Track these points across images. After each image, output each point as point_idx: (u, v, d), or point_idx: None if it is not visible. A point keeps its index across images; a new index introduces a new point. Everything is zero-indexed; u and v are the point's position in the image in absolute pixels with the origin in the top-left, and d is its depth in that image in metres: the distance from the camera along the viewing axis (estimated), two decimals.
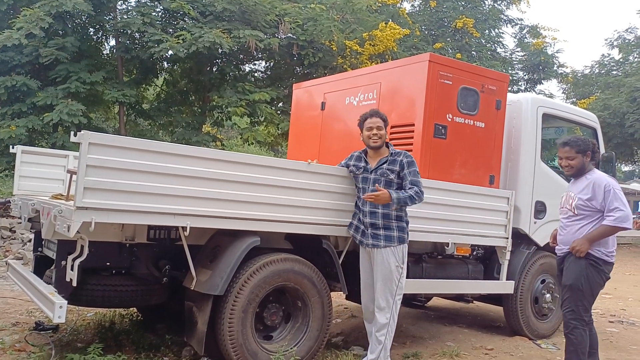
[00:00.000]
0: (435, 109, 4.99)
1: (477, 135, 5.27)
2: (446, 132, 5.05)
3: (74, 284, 3.55)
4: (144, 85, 16.10)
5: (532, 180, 5.68)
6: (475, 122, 5.24)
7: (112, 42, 15.37)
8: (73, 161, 5.49)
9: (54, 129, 13.07)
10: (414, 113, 5.04)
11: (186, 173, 3.55)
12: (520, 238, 5.66)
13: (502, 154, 5.53)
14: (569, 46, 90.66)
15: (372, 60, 14.35)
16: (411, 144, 4.99)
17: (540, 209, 5.71)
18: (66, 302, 3.39)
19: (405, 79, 5.22)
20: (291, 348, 4.12)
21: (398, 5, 18.87)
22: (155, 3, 14.27)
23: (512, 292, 5.58)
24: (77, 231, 3.24)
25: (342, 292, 4.54)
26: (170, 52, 12.87)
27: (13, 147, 5.47)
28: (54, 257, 3.93)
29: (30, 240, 9.31)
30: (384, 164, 4.19)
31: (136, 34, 13.64)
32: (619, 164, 27.17)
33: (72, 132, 3.35)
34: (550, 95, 20.50)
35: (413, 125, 5.02)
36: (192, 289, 3.92)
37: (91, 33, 15.08)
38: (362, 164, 4.25)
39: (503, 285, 5.50)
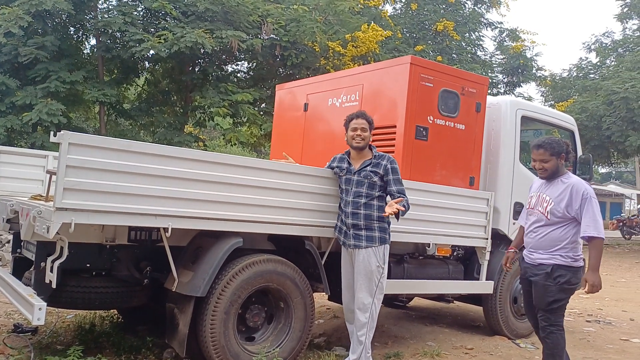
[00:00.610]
0: (417, 111, 5.04)
1: (457, 137, 5.34)
2: (427, 133, 5.10)
3: (54, 285, 3.51)
4: (125, 85, 15.95)
5: (511, 182, 5.77)
6: (456, 124, 5.31)
7: (93, 42, 15.22)
8: (52, 161, 5.43)
9: (33, 129, 12.88)
10: (396, 115, 5.08)
11: (167, 174, 3.53)
12: (499, 239, 5.73)
13: (482, 156, 5.61)
14: (547, 50, 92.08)
15: (354, 62, 14.41)
16: (393, 146, 5.03)
17: (519, 210, 5.76)
18: (45, 304, 3.34)
19: (387, 81, 5.27)
20: (274, 349, 4.13)
21: (380, 7, 18.97)
22: (137, 2, 14.15)
23: (491, 292, 5.65)
24: (57, 232, 3.21)
25: (324, 293, 4.56)
26: (151, 51, 12.79)
27: None
28: (33, 259, 3.89)
29: (8, 242, 9.14)
30: (367, 166, 4.22)
31: (117, 34, 13.51)
32: (596, 166, 27.60)
33: (51, 132, 3.31)
34: (529, 98, 20.76)
35: (395, 127, 5.06)
36: (174, 290, 3.90)
37: (71, 32, 14.91)
38: (345, 165, 4.28)
39: (483, 286, 5.57)
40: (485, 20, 22.28)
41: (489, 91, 6.32)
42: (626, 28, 23.70)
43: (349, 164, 4.28)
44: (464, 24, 20.82)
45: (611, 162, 24.82)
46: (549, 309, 3.88)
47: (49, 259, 3.54)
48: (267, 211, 3.99)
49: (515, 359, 5.22)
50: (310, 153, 5.83)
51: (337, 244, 4.41)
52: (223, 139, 16.31)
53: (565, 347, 3.99)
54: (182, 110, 15.75)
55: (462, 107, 5.34)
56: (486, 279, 5.54)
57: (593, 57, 23.60)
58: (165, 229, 3.55)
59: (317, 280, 4.46)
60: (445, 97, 5.23)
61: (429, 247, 5.30)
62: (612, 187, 41.67)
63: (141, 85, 16.77)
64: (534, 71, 21.92)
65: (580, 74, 23.02)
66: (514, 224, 5.76)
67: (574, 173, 6.51)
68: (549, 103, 22.27)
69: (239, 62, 16.62)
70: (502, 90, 21.74)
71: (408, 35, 20.00)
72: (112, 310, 5.34)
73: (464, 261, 5.71)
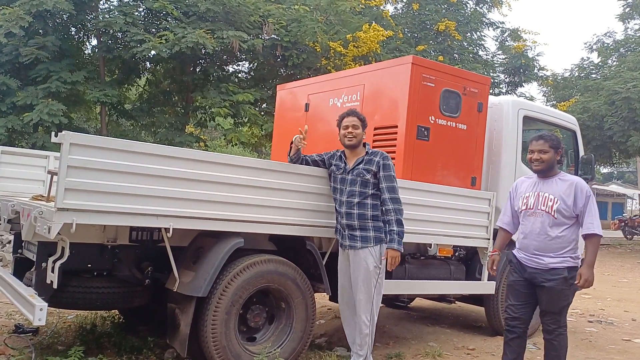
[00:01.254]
0: (418, 111, 5.03)
1: (459, 137, 5.33)
2: (429, 134, 5.09)
3: (55, 286, 3.51)
4: (126, 86, 15.97)
5: (513, 182, 5.74)
6: (458, 124, 5.30)
7: (94, 42, 15.24)
8: (54, 162, 5.43)
9: (34, 129, 12.89)
10: (397, 115, 5.07)
11: (169, 174, 3.53)
12: None
13: (484, 156, 5.59)
14: (549, 49, 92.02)
15: (355, 62, 14.41)
16: (394, 146, 5.02)
17: None
18: (46, 304, 3.34)
19: (389, 81, 5.26)
20: (275, 349, 4.12)
21: (381, 7, 18.96)
22: (138, 3, 14.16)
23: (493, 292, 5.64)
24: (58, 233, 3.20)
25: (325, 294, 4.55)
26: (152, 52, 12.79)
27: None
28: (34, 259, 3.88)
29: (9, 242, 9.16)
30: (360, 164, 4.19)
31: (118, 34, 13.51)
32: (598, 166, 27.58)
33: (53, 133, 3.31)
34: (531, 98, 20.76)
35: (396, 127, 5.05)
36: (175, 290, 3.89)
37: (72, 32, 14.92)
38: (342, 165, 4.26)
39: (484, 286, 5.56)
40: (486, 20, 22.27)
41: (491, 91, 6.31)
42: (628, 28, 23.70)
43: (345, 163, 4.26)
44: (466, 24, 20.81)
45: (613, 162, 24.81)
46: (560, 311, 3.85)
47: (50, 260, 3.54)
48: (268, 211, 3.99)
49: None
50: (311, 153, 5.80)
51: (338, 245, 4.40)
52: (224, 139, 16.32)
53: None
54: (183, 111, 15.75)
55: (464, 107, 5.33)
56: (488, 280, 5.52)
57: (595, 57, 23.61)
58: (167, 229, 3.55)
59: (318, 280, 4.44)
60: (447, 97, 5.22)
61: (430, 247, 5.29)
62: (613, 187, 41.67)
63: (142, 86, 16.77)
64: (535, 71, 21.91)
65: (582, 74, 23.00)
66: None
67: (576, 173, 6.53)
68: (551, 103, 22.25)
69: (240, 63, 16.64)
70: (503, 90, 21.73)
71: (409, 35, 20.00)
72: (113, 311, 5.33)
73: (466, 261, 5.70)
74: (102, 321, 5.25)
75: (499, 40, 23.16)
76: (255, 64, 16.15)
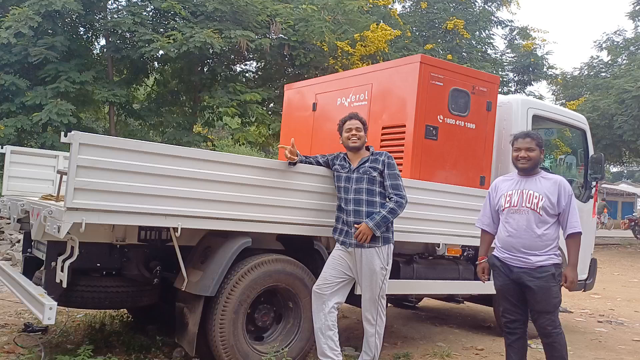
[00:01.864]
0: (427, 110, 5.01)
1: (468, 136, 5.30)
2: (437, 133, 5.07)
3: (64, 285, 3.53)
4: (134, 85, 16.02)
5: None
6: (466, 123, 5.27)
7: (102, 42, 15.29)
8: (63, 161, 5.46)
9: (43, 129, 12.97)
10: (405, 114, 5.05)
11: (177, 174, 3.54)
12: None
13: (493, 155, 5.56)
14: (558, 48, 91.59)
15: (363, 61, 14.38)
16: (402, 145, 5.01)
17: None
18: (56, 303, 3.36)
19: (397, 80, 5.24)
20: (283, 349, 4.12)
21: (389, 6, 18.91)
22: (146, 3, 14.20)
23: None
24: (68, 232, 3.22)
25: None
26: (161, 52, 12.83)
27: (2, 147, 5.41)
28: (44, 258, 3.90)
29: (19, 241, 9.23)
30: (365, 162, 4.18)
31: (126, 34, 13.56)
32: (608, 165, 27.39)
33: (62, 133, 3.32)
34: (540, 97, 20.64)
35: (404, 126, 5.03)
36: (183, 290, 3.90)
37: (81, 32, 14.99)
38: (347, 164, 4.25)
39: (493, 286, 5.51)
40: (495, 19, 22.18)
41: (500, 90, 6.28)
42: (638, 26, 23.49)
43: (349, 163, 4.25)
44: (474, 22, 20.72)
45: (623, 161, 24.65)
46: (554, 310, 3.76)
47: (60, 259, 3.56)
48: (276, 211, 3.98)
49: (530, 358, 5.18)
50: (319, 153, 5.80)
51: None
52: (231, 138, 16.35)
53: None
54: (191, 110, 15.79)
55: (473, 106, 5.31)
56: None
57: (604, 56, 23.45)
58: (175, 229, 3.56)
59: None
60: (456, 96, 5.19)
61: (438, 247, 5.26)
62: (623, 187, 41.41)
63: (150, 86, 16.83)
64: (545, 70, 21.80)
65: (592, 73, 22.86)
66: None
67: (586, 173, 6.48)
68: (560, 102, 22.12)
69: (247, 62, 16.64)
70: (512, 89, 21.63)
71: (417, 34, 19.94)
72: (122, 310, 5.36)
73: (475, 261, 5.66)
74: (111, 320, 5.28)
75: (507, 38, 23.08)
76: (263, 63, 16.16)
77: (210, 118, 15.02)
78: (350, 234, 4.14)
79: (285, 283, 4.15)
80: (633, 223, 26.89)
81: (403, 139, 5.02)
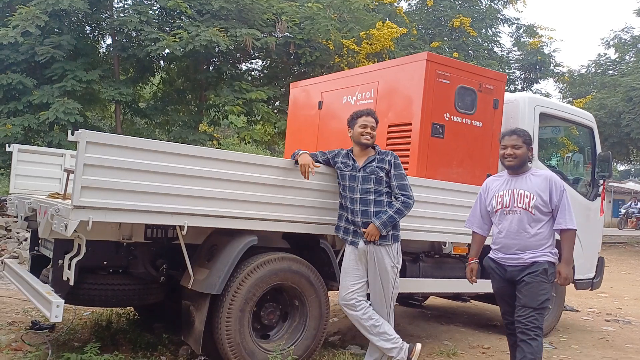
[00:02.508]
0: (433, 108, 4.99)
1: (474, 134, 5.28)
2: (444, 131, 5.05)
3: (71, 283, 3.55)
4: (140, 84, 16.05)
5: None
6: (473, 121, 5.25)
7: (109, 41, 15.33)
8: (70, 160, 5.48)
9: (50, 128, 13.02)
10: (412, 112, 5.04)
11: (183, 172, 3.54)
12: None
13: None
14: (565, 46, 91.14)
15: (369, 59, 14.35)
16: (408, 143, 5.00)
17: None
18: (63, 301, 3.38)
19: (403, 78, 5.23)
20: (288, 347, 4.12)
21: (395, 4, 18.87)
22: (152, 1, 14.23)
23: None
24: (75, 230, 3.23)
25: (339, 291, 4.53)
26: (166, 50, 12.84)
27: (9, 146, 5.45)
28: (51, 256, 3.92)
29: (26, 239, 9.28)
30: (372, 161, 4.16)
31: (133, 33, 13.59)
32: (615, 164, 27.22)
33: (69, 131, 3.34)
34: (547, 95, 20.55)
35: (410, 124, 5.02)
36: (190, 288, 3.91)
37: (87, 31, 15.03)
38: (350, 162, 4.22)
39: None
40: (502, 16, 22.06)
41: (507, 88, 6.24)
42: None
43: (353, 160, 4.22)
44: (481, 20, 20.64)
45: (630, 159, 24.49)
46: (540, 307, 3.61)
47: (67, 257, 3.58)
48: (282, 209, 3.99)
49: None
50: (325, 150, 5.80)
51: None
52: (237, 137, 16.34)
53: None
54: (196, 109, 15.81)
55: (480, 104, 5.28)
56: None
57: (612, 53, 23.26)
58: (182, 227, 3.56)
59: (331, 278, 4.43)
60: (462, 94, 5.17)
61: (445, 245, 5.26)
62: (631, 185, 41.09)
63: (156, 84, 16.87)
64: (551, 67, 21.68)
65: (599, 70, 22.70)
66: None
67: (593, 171, 6.45)
68: (567, 100, 22.01)
69: (253, 61, 16.65)
70: (519, 87, 21.54)
71: (424, 31, 19.89)
72: (128, 308, 5.37)
73: (481, 260, 5.64)
74: (117, 318, 5.30)
75: (514, 36, 22.95)
76: (269, 61, 16.16)
77: (216, 116, 15.04)
78: (358, 234, 4.12)
79: (291, 281, 4.15)
80: None
81: (409, 137, 5.01)
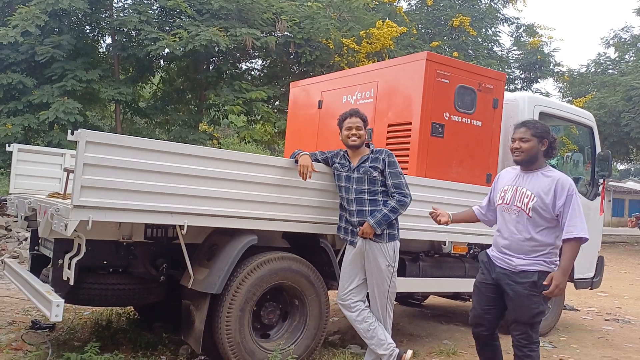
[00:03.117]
0: (433, 107, 5.00)
1: (474, 133, 5.28)
2: (443, 130, 5.05)
3: (71, 282, 3.55)
4: (140, 84, 16.07)
5: None
6: (473, 120, 5.25)
7: (109, 40, 15.36)
8: (69, 159, 5.48)
9: (50, 127, 13.04)
10: (411, 111, 5.04)
11: (183, 171, 3.54)
12: None
13: (499, 153, 5.54)
14: (565, 45, 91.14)
15: (369, 59, 14.37)
16: (408, 143, 5.00)
17: None
18: (63, 300, 3.38)
19: (403, 78, 5.23)
20: (288, 346, 4.12)
21: (395, 3, 18.88)
22: (152, 1, 14.24)
23: None
24: (75, 230, 3.23)
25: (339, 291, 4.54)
26: (166, 50, 12.86)
27: (9, 146, 5.45)
28: (51, 256, 3.92)
29: (26, 239, 9.28)
30: (365, 162, 4.14)
31: (132, 32, 13.62)
32: (615, 163, 27.22)
33: (69, 131, 3.34)
34: (547, 94, 20.58)
35: (410, 123, 5.02)
36: (190, 287, 3.91)
37: (87, 31, 15.06)
38: (347, 163, 4.23)
39: None
40: (501, 16, 22.09)
41: (506, 87, 6.25)
42: None
43: (349, 161, 4.22)
44: (480, 20, 20.66)
45: (630, 158, 24.54)
46: (532, 322, 3.35)
47: (67, 256, 3.58)
48: (282, 209, 3.99)
49: None
50: (325, 151, 5.80)
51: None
52: (237, 136, 16.37)
53: None
54: (196, 109, 15.83)
55: (479, 104, 5.29)
56: None
57: (612, 53, 23.30)
58: (182, 227, 3.56)
59: (331, 278, 4.44)
60: (462, 94, 5.18)
61: (444, 245, 5.26)
62: (631, 184, 41.09)
63: (156, 84, 16.89)
64: (551, 67, 21.72)
65: (599, 70, 22.72)
66: None
67: (593, 170, 6.45)
68: (567, 99, 22.03)
69: (253, 60, 16.68)
70: (519, 86, 21.56)
71: (423, 31, 19.91)
72: (128, 307, 5.37)
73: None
74: (117, 317, 5.30)
75: (514, 36, 22.99)
76: (269, 61, 16.18)
77: (216, 116, 15.05)
78: (355, 233, 4.13)
79: (291, 281, 4.15)
80: None
81: (409, 136, 5.01)
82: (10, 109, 12.51)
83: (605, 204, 6.86)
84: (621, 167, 41.76)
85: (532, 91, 20.49)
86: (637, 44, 22.52)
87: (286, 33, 14.09)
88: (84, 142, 3.18)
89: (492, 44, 21.61)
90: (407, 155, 4.97)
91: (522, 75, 22.09)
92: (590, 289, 6.76)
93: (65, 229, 3.22)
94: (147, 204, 3.42)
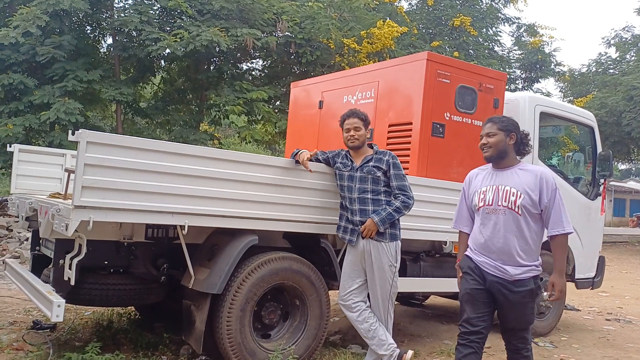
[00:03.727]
0: (433, 107, 5.00)
1: (474, 133, 5.25)
2: (444, 130, 5.05)
3: (72, 282, 3.55)
4: (141, 84, 16.10)
5: None
6: (473, 120, 5.25)
7: (109, 41, 15.39)
8: (70, 160, 5.48)
9: (51, 128, 13.07)
10: (412, 112, 5.04)
11: (184, 172, 3.54)
12: None
13: None
14: (566, 45, 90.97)
15: (369, 59, 14.37)
16: (409, 143, 5.00)
17: None
18: (64, 301, 3.38)
19: (404, 78, 5.23)
20: (289, 346, 4.12)
21: (395, 3, 18.88)
22: (153, 1, 14.25)
23: None
24: (75, 230, 3.23)
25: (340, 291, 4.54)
26: (167, 50, 12.87)
27: (10, 146, 5.45)
28: (52, 256, 3.92)
29: (27, 239, 9.29)
30: (369, 161, 4.15)
31: (133, 32, 13.63)
32: (616, 163, 27.21)
33: (70, 131, 3.34)
34: (548, 94, 20.57)
35: (411, 123, 5.02)
36: (190, 287, 3.91)
37: (88, 31, 15.08)
38: (349, 162, 4.23)
39: None
40: (502, 16, 22.09)
41: (507, 87, 6.25)
42: None
43: (351, 161, 4.22)
44: (481, 19, 20.67)
45: (631, 158, 24.51)
46: (527, 327, 3.34)
47: (68, 257, 3.58)
48: (283, 209, 3.99)
49: (534, 358, 5.15)
50: (326, 150, 5.81)
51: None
52: (238, 136, 16.37)
53: None
54: (197, 109, 15.84)
55: (480, 104, 5.28)
56: None
57: (612, 52, 23.30)
58: (182, 227, 3.57)
59: (332, 278, 4.43)
60: (463, 94, 5.18)
61: (445, 245, 5.26)
62: (632, 184, 41.06)
63: (157, 84, 16.91)
64: (552, 67, 21.72)
65: (600, 69, 22.71)
66: None
67: (594, 170, 6.44)
68: (568, 99, 22.03)
69: (253, 60, 16.69)
70: (520, 86, 21.56)
71: (424, 31, 19.91)
72: (129, 307, 5.38)
73: None
74: (118, 318, 5.30)
75: (515, 35, 22.99)
76: (269, 61, 16.18)
77: (217, 116, 15.07)
78: (355, 232, 4.13)
79: (292, 281, 4.15)
80: None
81: (410, 136, 5.01)
82: (11, 110, 12.53)
83: (606, 203, 6.85)
84: (622, 167, 41.75)
85: (533, 91, 20.49)
86: (638, 44, 22.51)
87: (287, 33, 14.10)
88: (84, 142, 3.19)
89: (493, 43, 21.62)
90: (408, 155, 4.98)
91: (523, 75, 22.10)
92: (591, 289, 6.76)
93: (66, 229, 3.22)
94: (148, 204, 3.43)
